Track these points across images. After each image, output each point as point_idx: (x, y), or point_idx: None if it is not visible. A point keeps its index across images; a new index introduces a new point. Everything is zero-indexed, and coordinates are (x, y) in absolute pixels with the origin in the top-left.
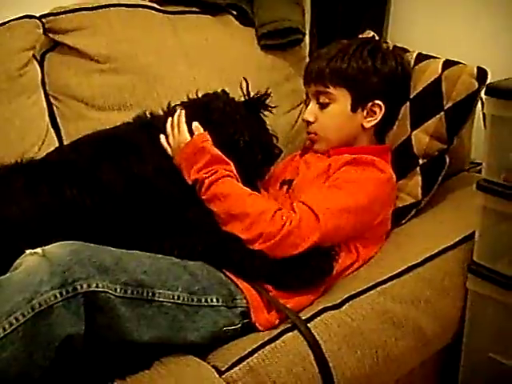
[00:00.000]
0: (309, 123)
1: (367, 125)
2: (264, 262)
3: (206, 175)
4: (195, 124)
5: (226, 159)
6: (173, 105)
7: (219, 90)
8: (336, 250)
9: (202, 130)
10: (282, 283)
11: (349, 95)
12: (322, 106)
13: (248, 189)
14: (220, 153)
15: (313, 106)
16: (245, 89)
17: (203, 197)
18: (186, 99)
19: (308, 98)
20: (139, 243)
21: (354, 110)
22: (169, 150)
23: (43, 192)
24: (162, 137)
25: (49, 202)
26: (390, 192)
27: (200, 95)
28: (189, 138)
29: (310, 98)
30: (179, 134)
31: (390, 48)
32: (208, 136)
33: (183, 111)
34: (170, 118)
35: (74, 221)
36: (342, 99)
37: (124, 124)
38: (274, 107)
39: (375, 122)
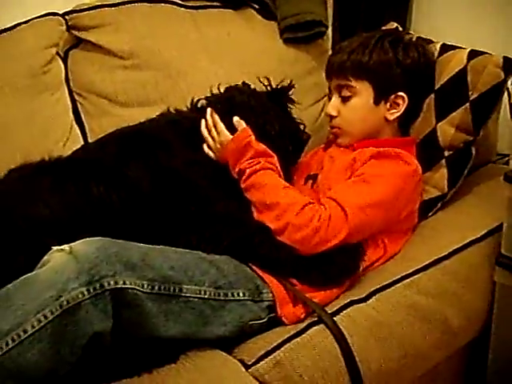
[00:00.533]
0: (332, 117)
1: (390, 117)
2: (290, 257)
3: (249, 166)
4: (236, 119)
5: (271, 152)
6: (196, 99)
7: (240, 83)
8: (363, 247)
9: (243, 124)
10: (307, 279)
11: (371, 88)
12: (345, 100)
13: (285, 182)
14: (264, 146)
15: (335, 99)
16: (267, 83)
17: (242, 185)
18: (208, 94)
19: (330, 91)
20: (166, 237)
21: (376, 102)
22: (211, 153)
23: (70, 190)
24: (205, 145)
25: (76, 201)
26: (416, 184)
27: (222, 89)
28: (230, 136)
29: (332, 91)
30: (219, 135)
31: (414, 39)
32: (250, 131)
33: (213, 110)
34: (203, 121)
35: (102, 218)
36: (364, 92)
37: (148, 120)
38: (297, 103)
39: (399, 114)
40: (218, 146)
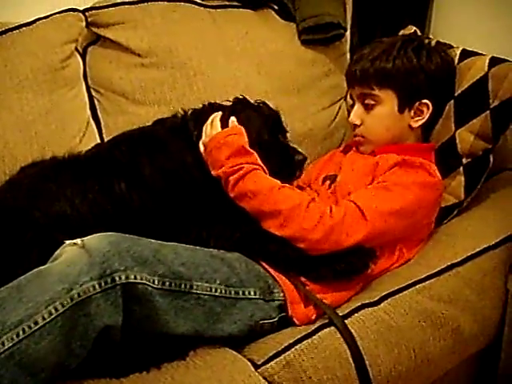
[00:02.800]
0: (355, 126)
1: (415, 125)
2: (299, 253)
3: (230, 171)
4: (232, 119)
5: (249, 149)
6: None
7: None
8: (375, 249)
9: (236, 124)
10: (316, 274)
11: (395, 96)
12: (368, 108)
13: (277, 181)
14: (244, 143)
15: (358, 108)
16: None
17: (231, 195)
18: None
19: (352, 99)
20: (178, 233)
21: (401, 110)
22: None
23: (93, 187)
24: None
25: (99, 198)
26: (437, 196)
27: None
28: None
29: (355, 100)
30: (211, 130)
31: (433, 44)
32: (240, 129)
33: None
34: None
35: (121, 214)
36: (388, 101)
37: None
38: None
39: (423, 121)
40: (207, 141)
